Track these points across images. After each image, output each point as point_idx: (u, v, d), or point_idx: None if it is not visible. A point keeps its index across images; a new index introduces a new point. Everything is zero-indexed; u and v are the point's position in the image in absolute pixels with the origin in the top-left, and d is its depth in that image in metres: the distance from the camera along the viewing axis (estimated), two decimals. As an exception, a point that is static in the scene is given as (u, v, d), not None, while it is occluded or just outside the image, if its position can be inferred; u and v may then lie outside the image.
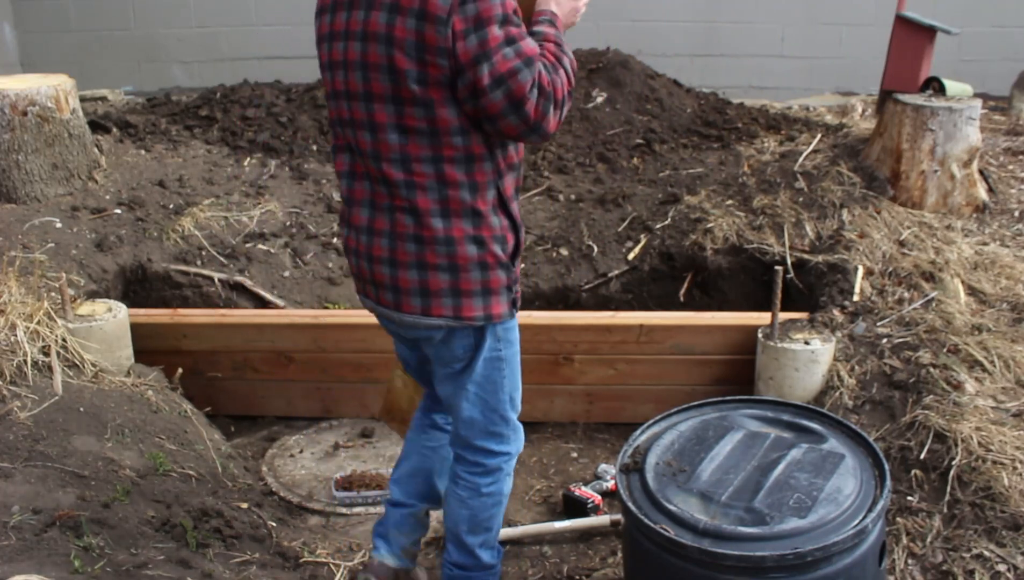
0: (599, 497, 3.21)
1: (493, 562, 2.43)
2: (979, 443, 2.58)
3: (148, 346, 3.56)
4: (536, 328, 3.61)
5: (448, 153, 1.98)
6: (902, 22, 4.37)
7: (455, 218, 2.03)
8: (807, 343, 3.23)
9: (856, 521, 2.01)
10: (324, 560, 2.73)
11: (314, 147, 4.75)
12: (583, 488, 3.26)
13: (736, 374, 3.60)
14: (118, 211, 4.10)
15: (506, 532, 3.05)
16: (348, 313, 3.96)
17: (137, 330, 3.50)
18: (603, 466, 3.44)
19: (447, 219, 2.03)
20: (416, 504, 2.56)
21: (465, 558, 2.39)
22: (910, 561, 2.44)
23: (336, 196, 4.43)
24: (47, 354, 3.05)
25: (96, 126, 4.74)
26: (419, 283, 2.08)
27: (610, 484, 3.29)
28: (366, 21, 1.92)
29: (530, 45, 1.92)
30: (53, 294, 3.37)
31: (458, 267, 2.06)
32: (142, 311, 3.75)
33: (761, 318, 3.47)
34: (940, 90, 4.09)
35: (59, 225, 3.91)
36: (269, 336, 3.72)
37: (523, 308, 3.47)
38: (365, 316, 3.80)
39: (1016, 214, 3.96)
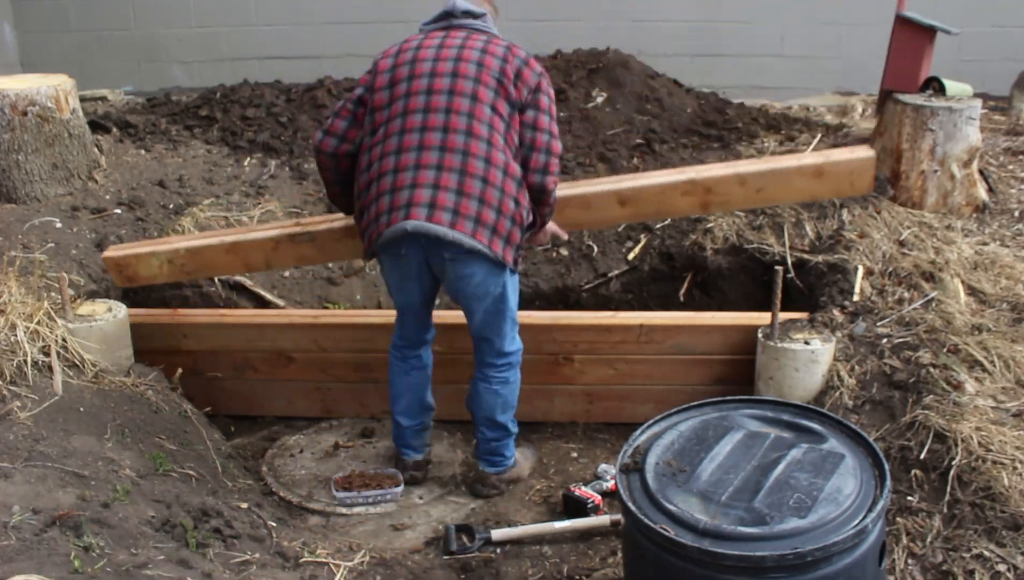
0: (599, 497, 3.21)
1: (516, 430, 3.32)
2: (979, 443, 2.58)
3: (148, 346, 3.57)
4: (536, 328, 3.61)
5: (512, 139, 2.90)
6: (902, 22, 4.37)
7: (508, 179, 2.88)
8: (807, 343, 3.23)
9: (856, 521, 2.01)
10: (324, 560, 2.73)
11: (314, 147, 4.75)
12: (583, 488, 3.26)
13: (736, 374, 3.60)
14: (118, 211, 4.10)
15: (506, 532, 3.06)
16: (348, 313, 3.95)
17: (137, 330, 3.51)
18: (603, 466, 3.44)
19: (505, 177, 2.87)
20: (421, 421, 3.39)
21: (499, 432, 3.26)
22: (910, 561, 2.44)
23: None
24: (47, 354, 3.05)
25: (96, 126, 4.74)
26: (476, 212, 2.83)
27: (610, 484, 3.29)
28: (480, 60, 2.90)
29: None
30: (53, 294, 3.37)
31: (501, 212, 2.86)
32: (142, 311, 3.75)
33: (761, 318, 3.47)
34: (940, 90, 4.09)
35: (59, 225, 3.91)
36: (269, 336, 3.72)
37: (524, 308, 3.49)
38: (365, 316, 3.81)
39: (1016, 214, 3.96)
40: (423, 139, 2.85)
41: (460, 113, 2.84)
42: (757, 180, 3.26)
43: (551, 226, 3.25)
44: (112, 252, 3.63)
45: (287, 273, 4.07)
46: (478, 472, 3.38)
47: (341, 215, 3.67)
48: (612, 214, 3.41)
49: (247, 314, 3.85)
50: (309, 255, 3.60)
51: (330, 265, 4.15)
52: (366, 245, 3.03)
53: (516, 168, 2.90)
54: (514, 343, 3.20)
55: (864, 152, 3.14)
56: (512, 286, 3.06)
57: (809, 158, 3.12)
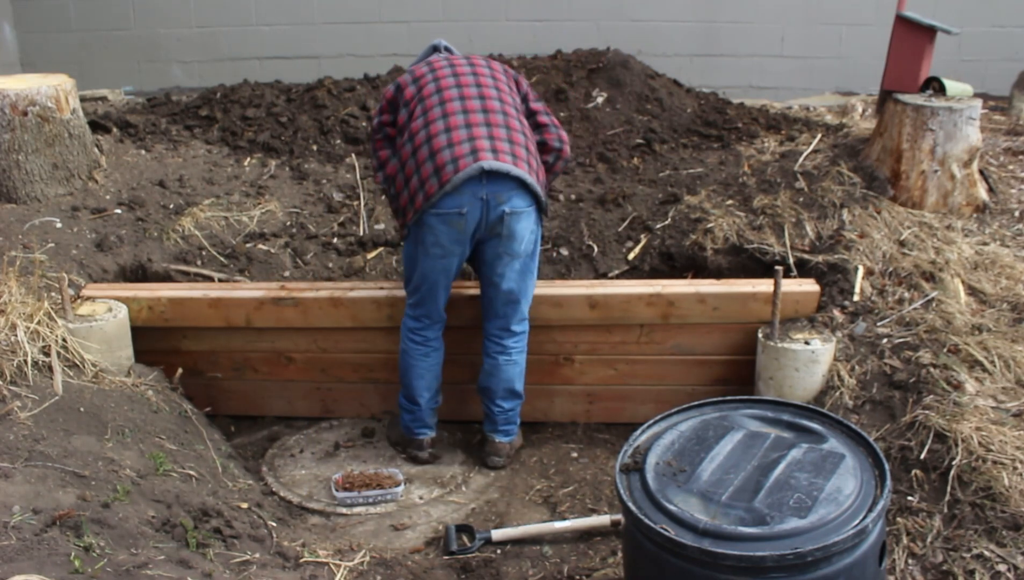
0: None
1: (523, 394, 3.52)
2: (979, 443, 2.59)
3: (148, 347, 3.57)
4: (537, 329, 3.61)
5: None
6: (902, 22, 4.37)
7: (531, 141, 3.29)
8: (807, 343, 3.23)
9: (856, 521, 2.02)
10: (324, 560, 2.73)
11: (314, 147, 4.75)
12: None
13: (736, 374, 3.60)
14: (118, 211, 4.10)
15: (506, 532, 3.06)
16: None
17: (137, 331, 3.51)
18: None
19: (529, 140, 3.29)
20: (436, 398, 3.55)
21: (514, 401, 3.48)
22: (910, 561, 2.44)
23: (336, 196, 4.44)
24: (47, 354, 3.05)
25: (96, 126, 4.74)
26: (525, 158, 3.18)
27: None
28: (489, 64, 3.39)
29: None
30: (53, 294, 3.37)
31: (537, 159, 3.29)
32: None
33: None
34: (940, 90, 4.09)
35: (59, 225, 3.91)
36: (269, 337, 3.72)
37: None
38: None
39: (1016, 214, 3.96)
40: (466, 113, 3.19)
41: (490, 97, 3.23)
42: (715, 300, 3.53)
43: None
44: (92, 291, 3.60)
45: (286, 273, 4.07)
46: (492, 444, 3.53)
47: (328, 284, 3.79)
48: (582, 314, 3.62)
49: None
50: (290, 318, 3.66)
51: (329, 265, 4.15)
52: (413, 211, 3.18)
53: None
54: (525, 317, 3.43)
55: (810, 286, 3.55)
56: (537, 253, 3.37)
57: (762, 286, 3.49)
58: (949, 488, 2.54)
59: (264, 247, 4.14)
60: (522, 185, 3.15)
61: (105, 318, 3.32)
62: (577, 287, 3.65)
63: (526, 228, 3.23)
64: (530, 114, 3.38)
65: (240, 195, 4.38)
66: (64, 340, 3.14)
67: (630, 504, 2.15)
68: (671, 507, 2.10)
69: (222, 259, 4.04)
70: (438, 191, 3.10)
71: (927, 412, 2.77)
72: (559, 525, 3.08)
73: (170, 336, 3.70)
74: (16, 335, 3.00)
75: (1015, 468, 2.50)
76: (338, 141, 4.79)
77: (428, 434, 3.56)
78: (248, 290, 3.69)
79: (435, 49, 3.53)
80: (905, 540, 2.49)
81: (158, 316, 3.62)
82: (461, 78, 3.28)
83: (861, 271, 3.56)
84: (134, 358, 3.47)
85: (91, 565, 2.10)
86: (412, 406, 3.50)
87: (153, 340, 3.63)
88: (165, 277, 3.94)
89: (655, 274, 4.04)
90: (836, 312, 3.43)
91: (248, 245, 4.12)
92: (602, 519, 3.11)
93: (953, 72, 4.27)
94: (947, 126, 3.81)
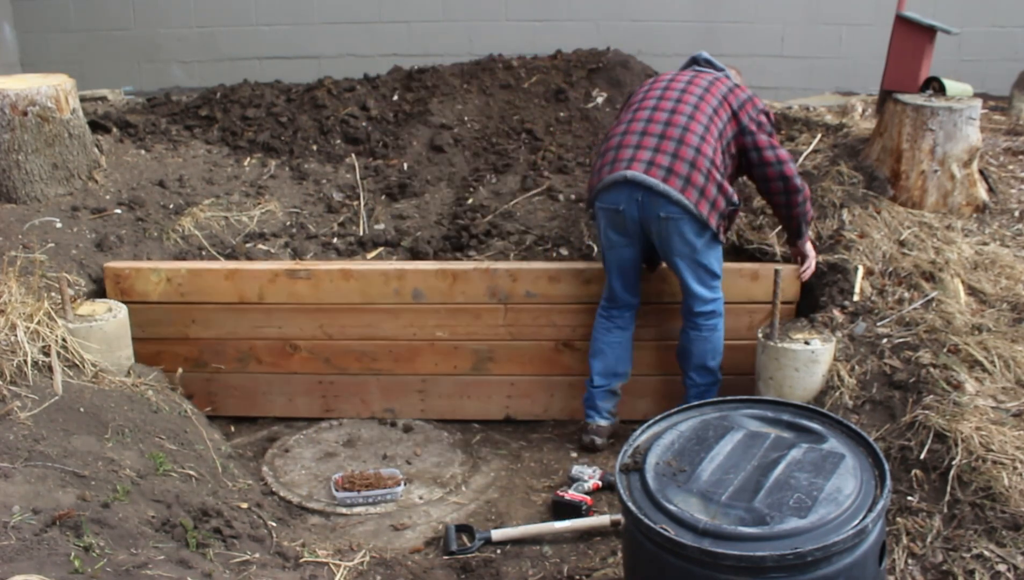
0: (589, 498, 3.22)
1: (721, 376, 3.56)
2: (979, 443, 2.58)
3: (156, 333, 3.63)
4: (535, 312, 3.62)
5: (720, 151, 3.34)
6: (902, 22, 4.37)
7: (714, 169, 3.29)
8: (807, 343, 3.23)
9: (856, 521, 2.02)
10: (324, 560, 2.73)
11: (314, 147, 4.75)
12: (571, 492, 3.27)
13: (736, 374, 3.61)
14: (118, 211, 4.10)
15: (506, 532, 3.06)
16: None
17: (147, 313, 3.59)
18: (576, 468, 3.44)
19: (712, 165, 3.28)
20: (610, 382, 3.61)
21: (707, 377, 3.53)
22: (910, 561, 2.44)
23: (335, 196, 4.45)
24: (47, 354, 3.04)
25: (96, 126, 4.73)
26: (687, 174, 3.23)
27: (591, 484, 3.32)
28: (707, 87, 3.43)
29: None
30: (53, 294, 3.37)
31: (709, 178, 3.26)
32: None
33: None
34: (940, 90, 4.09)
35: (59, 225, 3.91)
36: (277, 319, 3.74)
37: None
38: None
39: (1016, 214, 3.95)
40: (648, 125, 3.34)
41: (682, 113, 3.32)
42: None
43: (808, 247, 3.56)
44: (113, 263, 3.73)
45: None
46: None
47: (341, 260, 3.91)
48: (577, 291, 3.74)
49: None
50: (301, 293, 3.75)
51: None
52: (587, 194, 3.49)
53: (720, 168, 3.29)
54: (712, 298, 3.45)
55: (792, 266, 3.66)
56: (714, 252, 3.37)
57: (748, 265, 3.68)
58: (949, 488, 2.54)
59: (264, 247, 4.14)
60: (672, 198, 3.23)
61: (105, 318, 3.32)
62: (573, 263, 3.78)
63: (684, 231, 3.28)
64: (747, 149, 3.40)
65: (240, 195, 4.38)
66: (64, 340, 3.14)
67: (630, 504, 2.15)
68: (671, 507, 2.10)
69: (222, 259, 4.04)
70: (597, 185, 3.37)
71: (927, 412, 2.77)
72: (559, 525, 3.08)
73: (180, 318, 3.75)
74: (16, 335, 2.99)
75: (1015, 468, 2.50)
76: (338, 141, 4.79)
77: (594, 419, 3.63)
78: (263, 263, 3.84)
79: (694, 61, 3.64)
80: (905, 540, 2.49)
81: (175, 289, 3.71)
82: (666, 92, 3.44)
83: (861, 271, 3.56)
84: (135, 353, 3.47)
85: (91, 565, 2.10)
86: (588, 385, 3.61)
87: (162, 326, 3.70)
88: (165, 277, 3.95)
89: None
90: (836, 312, 3.43)
91: (248, 245, 4.12)
92: (602, 519, 3.11)
93: (953, 72, 4.26)
94: (947, 126, 3.81)
